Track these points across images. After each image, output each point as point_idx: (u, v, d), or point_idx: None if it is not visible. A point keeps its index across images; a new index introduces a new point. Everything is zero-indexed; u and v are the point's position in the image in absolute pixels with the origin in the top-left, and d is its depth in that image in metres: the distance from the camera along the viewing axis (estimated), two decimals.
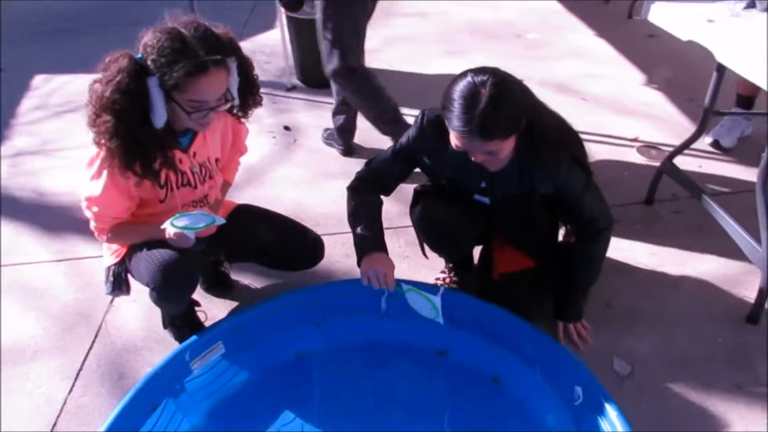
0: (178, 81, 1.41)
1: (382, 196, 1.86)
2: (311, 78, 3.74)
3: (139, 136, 1.46)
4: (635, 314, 2.00)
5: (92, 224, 1.67)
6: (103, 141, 1.46)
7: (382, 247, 1.73)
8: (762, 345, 1.88)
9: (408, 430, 1.63)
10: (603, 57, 4.11)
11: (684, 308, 2.03)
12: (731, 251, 2.24)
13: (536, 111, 1.51)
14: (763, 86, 1.68)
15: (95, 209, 1.60)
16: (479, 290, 1.88)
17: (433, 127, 1.63)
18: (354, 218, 1.78)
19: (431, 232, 1.86)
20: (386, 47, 4.34)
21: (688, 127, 3.13)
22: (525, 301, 1.83)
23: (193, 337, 1.67)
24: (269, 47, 4.30)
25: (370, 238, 1.72)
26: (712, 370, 1.81)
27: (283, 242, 1.93)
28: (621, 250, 2.21)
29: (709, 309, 2.02)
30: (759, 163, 2.68)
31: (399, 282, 1.70)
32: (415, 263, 2.24)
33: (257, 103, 1.71)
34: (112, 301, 2.15)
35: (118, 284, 1.79)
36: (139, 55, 1.44)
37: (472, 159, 1.54)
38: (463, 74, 1.45)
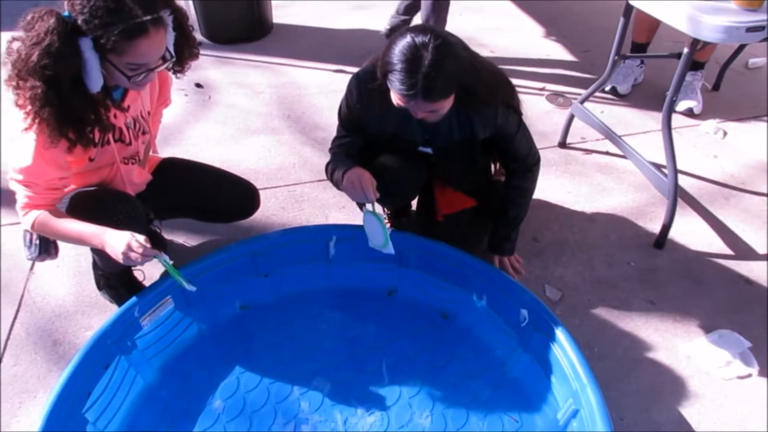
0: (116, 44, 1.29)
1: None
2: (218, 34, 3.61)
3: (72, 102, 1.34)
4: (559, 246, 2.17)
5: (22, 200, 1.48)
6: (31, 108, 1.32)
7: (358, 165, 1.70)
8: (669, 266, 2.11)
9: (368, 362, 1.71)
10: (503, 12, 4.26)
11: (600, 238, 2.22)
12: (636, 187, 2.49)
13: (475, 68, 1.52)
14: (671, 23, 1.84)
15: (22, 178, 1.45)
16: (421, 232, 1.95)
17: (370, 89, 1.58)
18: (333, 169, 1.75)
19: (380, 187, 1.88)
20: (292, 3, 4.25)
21: (587, 76, 3.36)
22: (468, 238, 1.93)
23: (142, 293, 1.62)
24: None
25: (343, 163, 1.71)
26: (629, 289, 2.01)
27: (216, 191, 1.90)
28: (541, 189, 2.36)
29: (622, 237, 2.23)
30: (652, 105, 2.96)
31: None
32: (352, 211, 2.28)
33: (194, 55, 1.59)
34: (32, 268, 2.03)
35: (45, 247, 1.67)
36: (66, 13, 1.29)
37: (413, 115, 1.55)
38: (402, 34, 1.42)
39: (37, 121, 1.34)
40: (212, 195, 1.90)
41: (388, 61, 1.42)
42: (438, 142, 1.75)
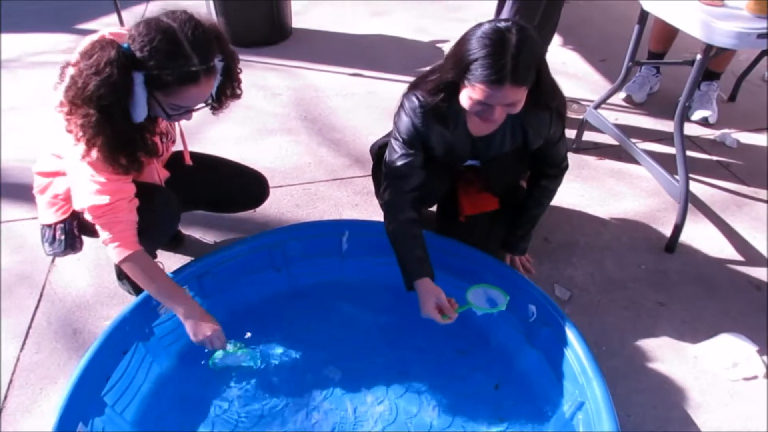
0: (166, 86, 1.34)
1: (418, 205, 1.74)
2: (238, 37, 3.67)
3: (123, 131, 1.38)
4: (570, 247, 2.20)
5: (109, 231, 1.48)
6: (83, 135, 1.35)
7: (428, 272, 1.65)
8: (679, 270, 2.13)
9: (378, 353, 1.75)
10: None
11: (611, 241, 2.24)
12: (648, 192, 2.50)
13: (544, 59, 1.50)
14: (684, 29, 1.87)
15: (109, 200, 1.46)
16: (439, 231, 1.98)
17: (433, 103, 1.57)
18: (396, 239, 1.69)
19: None
20: (311, 8, 4.33)
21: (603, 84, 3.39)
22: (488, 238, 1.95)
23: None
24: (189, 5, 4.17)
25: (413, 263, 1.66)
26: (639, 291, 2.03)
27: (227, 182, 1.95)
28: None
29: (633, 241, 2.25)
30: (666, 114, 2.98)
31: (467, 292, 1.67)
32: (365, 210, 2.33)
33: (235, 96, 1.61)
34: (53, 260, 2.09)
35: (71, 242, 1.69)
36: (126, 45, 1.31)
37: (476, 123, 1.51)
38: (479, 25, 1.40)
39: (92, 149, 1.38)
40: (223, 186, 1.95)
41: (467, 50, 1.38)
42: (488, 154, 1.74)
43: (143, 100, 1.36)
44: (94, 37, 1.36)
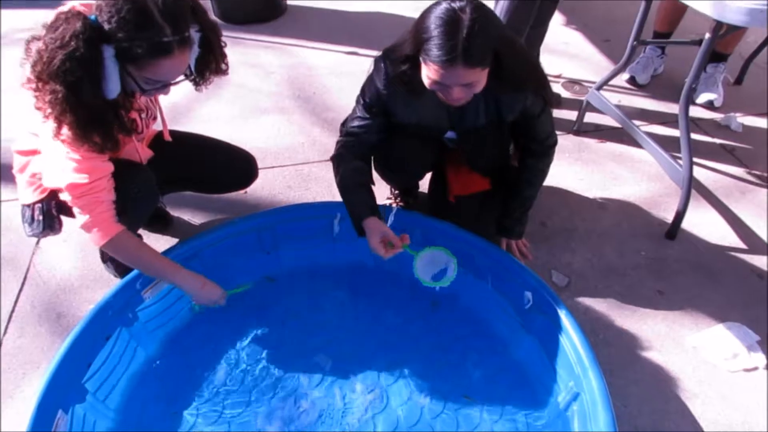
0: (137, 59, 1.26)
1: (367, 159, 1.76)
2: (231, 15, 3.59)
3: (93, 107, 1.30)
4: (568, 232, 2.14)
5: (85, 214, 1.43)
6: (51, 111, 1.27)
7: (374, 211, 1.62)
8: (680, 257, 2.07)
9: (370, 340, 1.70)
10: None
11: (611, 226, 2.19)
12: (650, 177, 2.44)
13: (511, 41, 1.46)
14: (693, 5, 1.80)
15: (87, 179, 1.40)
16: (431, 212, 1.92)
17: (397, 75, 1.54)
18: (343, 188, 1.68)
19: (386, 162, 1.84)
20: None
21: (606, 65, 3.31)
22: (479, 220, 1.90)
23: None
24: None
25: (360, 206, 1.63)
26: (638, 279, 1.98)
27: (215, 163, 1.89)
28: (553, 175, 2.31)
29: (633, 227, 2.19)
30: (670, 97, 2.91)
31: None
32: None
33: (221, 72, 1.53)
34: (37, 242, 2.04)
35: (50, 222, 1.63)
36: (93, 17, 1.22)
37: (443, 97, 1.48)
38: (436, 3, 1.37)
39: (62, 126, 1.30)
40: (209, 166, 1.88)
41: (424, 28, 1.36)
42: (464, 127, 1.71)
43: (115, 74, 1.28)
44: (64, 8, 1.27)
